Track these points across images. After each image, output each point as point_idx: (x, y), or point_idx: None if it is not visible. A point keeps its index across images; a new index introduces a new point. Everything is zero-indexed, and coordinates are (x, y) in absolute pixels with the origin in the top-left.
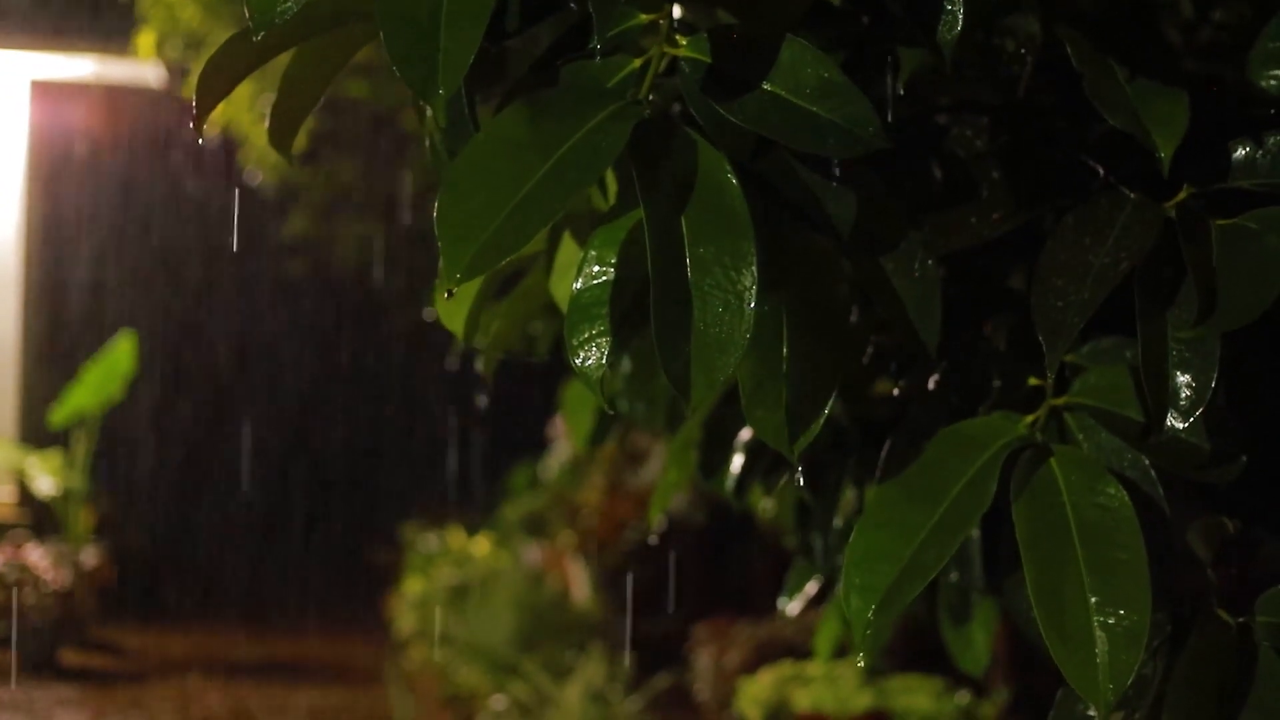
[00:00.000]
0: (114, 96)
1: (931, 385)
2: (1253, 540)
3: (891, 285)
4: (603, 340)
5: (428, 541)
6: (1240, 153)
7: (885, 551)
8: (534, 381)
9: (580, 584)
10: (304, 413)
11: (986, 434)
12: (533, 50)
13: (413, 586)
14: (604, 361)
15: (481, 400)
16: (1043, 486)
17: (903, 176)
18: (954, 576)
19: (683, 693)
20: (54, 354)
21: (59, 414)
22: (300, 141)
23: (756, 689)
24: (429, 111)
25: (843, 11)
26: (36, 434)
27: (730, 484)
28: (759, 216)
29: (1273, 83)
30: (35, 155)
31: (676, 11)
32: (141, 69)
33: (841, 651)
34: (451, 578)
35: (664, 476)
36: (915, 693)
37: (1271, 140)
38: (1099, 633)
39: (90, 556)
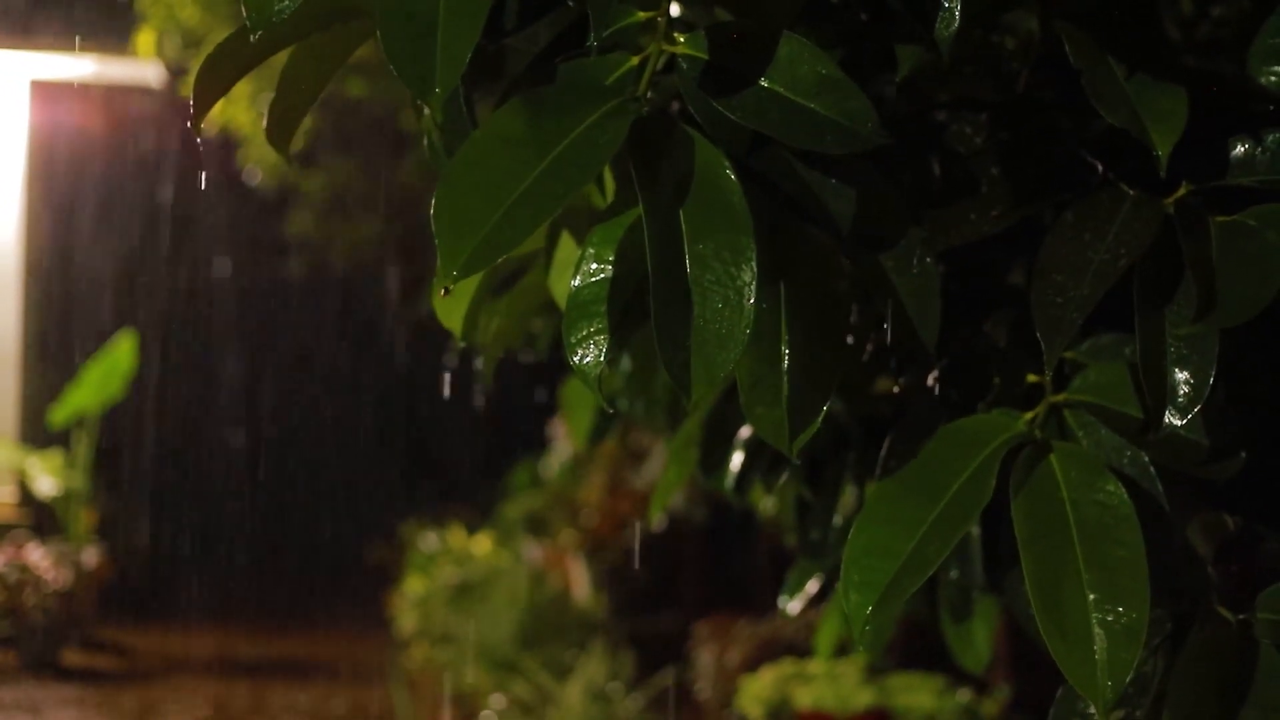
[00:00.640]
0: (113, 96)
1: (931, 382)
2: (1253, 537)
3: (891, 282)
4: (601, 338)
5: (428, 540)
6: (1239, 149)
7: (884, 548)
8: (535, 380)
9: (581, 582)
10: (304, 412)
11: (986, 431)
12: (531, 48)
13: (414, 585)
14: (602, 359)
15: (481, 399)
16: (1042, 483)
17: (902, 173)
18: (954, 574)
19: (684, 691)
20: (54, 354)
21: (59, 414)
22: (299, 141)
23: (758, 687)
24: (427, 110)
25: (840, 8)
26: (37, 434)
27: (730, 482)
28: (758, 213)
29: (1273, 79)
30: (35, 155)
31: (674, 9)
32: (141, 68)
33: (843, 649)
34: (452, 576)
35: (664, 474)
36: (916, 690)
37: (1271, 137)
38: (1098, 630)
39: (91, 556)
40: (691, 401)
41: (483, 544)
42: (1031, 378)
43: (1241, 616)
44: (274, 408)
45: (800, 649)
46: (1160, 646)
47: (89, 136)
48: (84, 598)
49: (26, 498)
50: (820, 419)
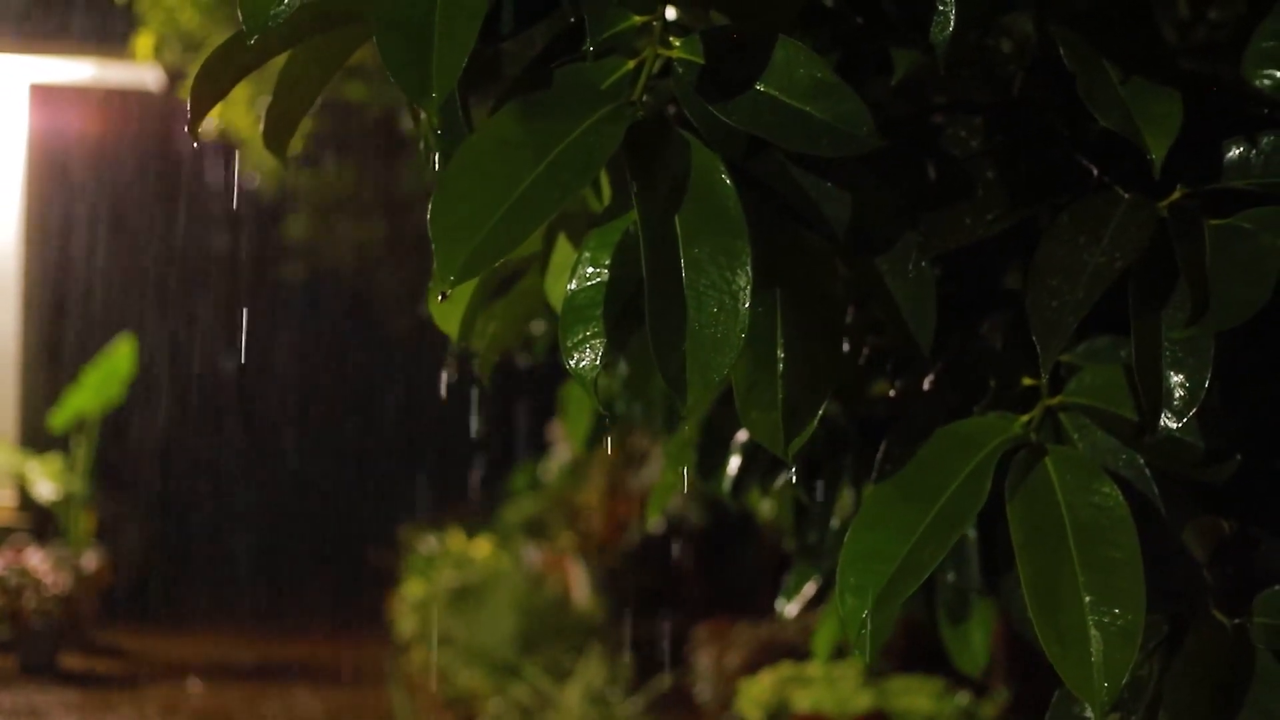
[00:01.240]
0: (112, 100)
1: (927, 385)
2: (1249, 540)
3: (886, 285)
4: (597, 342)
5: (428, 544)
6: (1234, 152)
7: (880, 551)
8: (534, 383)
9: (580, 586)
10: (303, 415)
11: (982, 434)
12: (527, 52)
13: (413, 589)
14: (598, 363)
15: (480, 402)
16: (1038, 486)
17: (897, 176)
18: (951, 577)
19: (683, 694)
20: (54, 357)
21: (59, 417)
22: (297, 144)
23: (757, 690)
24: (423, 114)
25: (836, 12)
26: (36, 438)
27: (728, 485)
28: (753, 217)
29: (1267, 82)
30: (34, 159)
31: (670, 13)
32: (140, 72)
33: (841, 652)
34: (452, 580)
35: (662, 477)
36: (915, 693)
37: (1265, 140)
38: (1094, 632)
39: (91, 560)
40: (687, 406)
41: (482, 547)
42: (1027, 380)
43: (1237, 620)
44: (273, 412)
45: (799, 652)
46: (1156, 650)
47: (88, 140)
48: (84, 602)
49: (26, 501)
50: (815, 422)
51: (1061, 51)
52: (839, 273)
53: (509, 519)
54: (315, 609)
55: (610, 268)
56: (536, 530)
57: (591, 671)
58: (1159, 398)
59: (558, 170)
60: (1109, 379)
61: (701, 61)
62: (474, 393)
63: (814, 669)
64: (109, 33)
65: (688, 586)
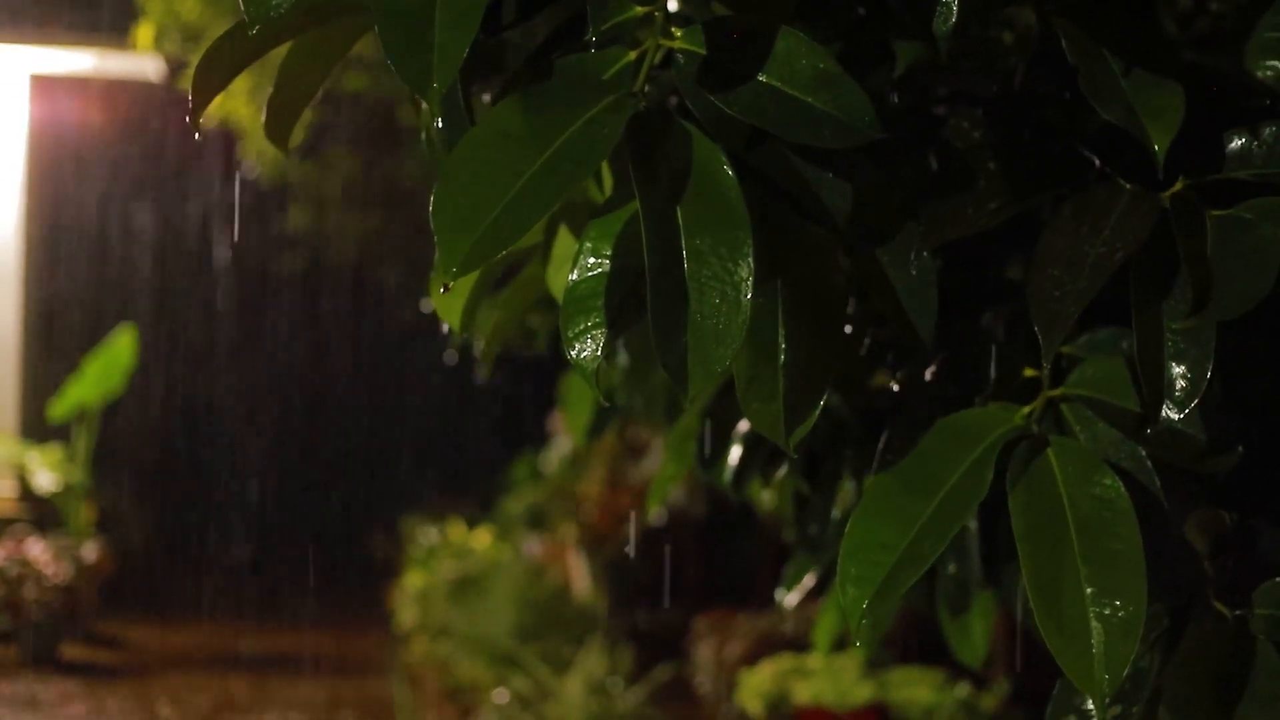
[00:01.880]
0: (113, 90)
1: (928, 377)
2: (1250, 532)
3: (888, 276)
4: (598, 332)
5: (428, 535)
6: (1236, 143)
7: (881, 542)
8: (535, 374)
9: (581, 577)
10: (304, 406)
11: (983, 425)
12: (529, 43)
13: (414, 580)
14: (599, 354)
15: (481, 394)
16: (1039, 477)
17: (899, 167)
18: (952, 568)
19: (683, 685)
20: (54, 348)
21: (59, 408)
22: (298, 135)
23: (757, 681)
24: (425, 105)
25: (837, 3)
26: (37, 428)
27: (729, 476)
28: (755, 208)
29: (1269, 73)
30: (35, 150)
31: (671, 4)
32: (140, 63)
33: (842, 644)
34: (452, 571)
35: (663, 468)
36: (915, 685)
37: (1267, 130)
38: (1095, 623)
39: (91, 551)
40: (688, 397)
41: (482, 538)
42: (1029, 372)
43: (1238, 612)
44: (273, 402)
45: (799, 643)
46: (1157, 641)
47: (89, 131)
48: (84, 592)
49: (26, 492)
50: (817, 413)
51: (1064, 44)
52: (840, 264)
53: (509, 510)
54: (316, 599)
55: (612, 258)
56: (537, 521)
57: (592, 662)
58: (1161, 388)
59: (559, 161)
60: (1110, 370)
61: (703, 52)
62: (475, 384)
63: (814, 660)
64: (110, 23)
65: (688, 578)
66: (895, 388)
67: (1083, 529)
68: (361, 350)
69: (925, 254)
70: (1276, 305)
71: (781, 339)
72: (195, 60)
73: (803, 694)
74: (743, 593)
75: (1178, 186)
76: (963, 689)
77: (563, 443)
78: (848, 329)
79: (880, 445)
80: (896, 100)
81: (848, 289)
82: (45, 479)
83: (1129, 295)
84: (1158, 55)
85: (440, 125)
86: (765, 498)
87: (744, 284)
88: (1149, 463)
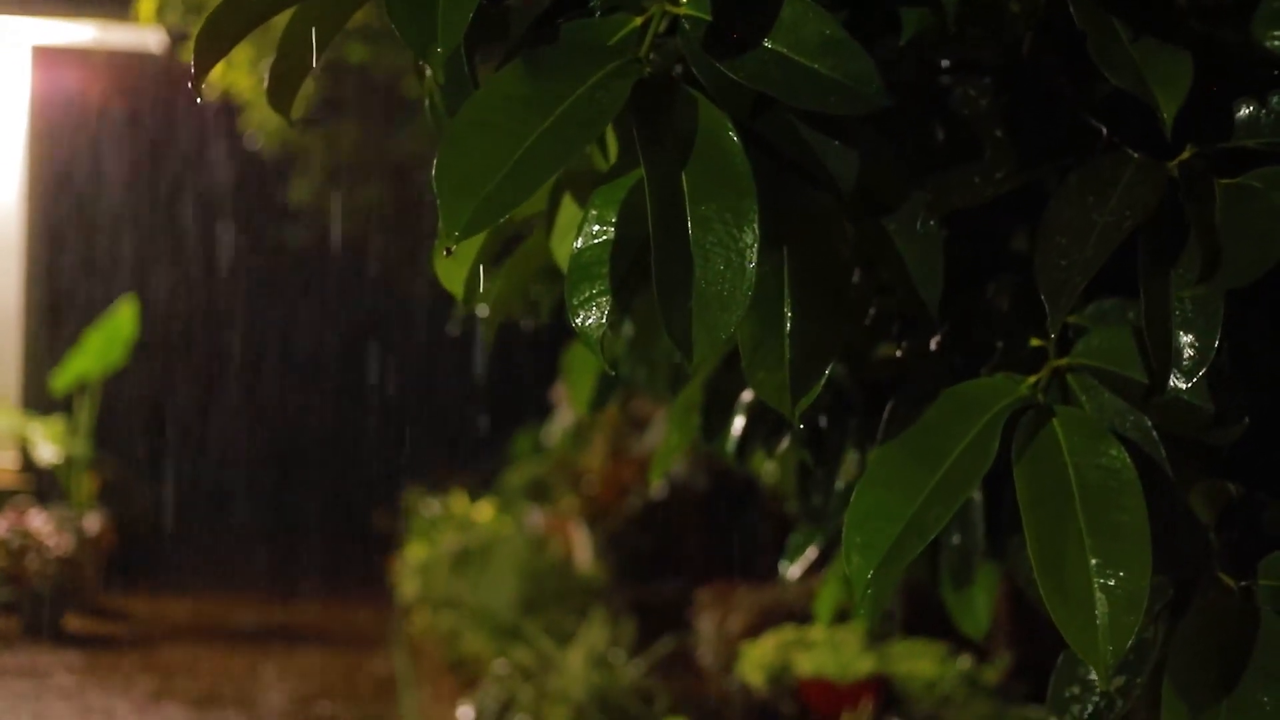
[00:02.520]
0: (115, 62)
1: (933, 346)
2: (1256, 503)
3: (893, 245)
4: (603, 300)
5: (430, 507)
6: (1244, 112)
7: (886, 511)
8: (538, 346)
9: (583, 549)
10: (306, 378)
11: (988, 395)
12: (533, 8)
13: (416, 552)
14: (604, 321)
15: (483, 365)
16: (1044, 448)
17: (905, 136)
18: (956, 539)
19: (685, 657)
20: (56, 320)
21: (61, 380)
22: (301, 107)
23: (759, 653)
24: (429, 71)
25: None
26: (39, 400)
27: (732, 447)
28: (760, 175)
29: (1277, 43)
30: (37, 121)
31: None
32: (142, 34)
33: (843, 616)
34: (454, 543)
35: (665, 440)
36: (917, 657)
37: (1275, 99)
38: (1099, 594)
39: (93, 522)
40: (693, 364)
41: (485, 510)
42: (1035, 342)
43: (1243, 583)
44: (276, 374)
45: (801, 615)
46: (1161, 613)
47: (91, 102)
48: (86, 564)
49: (29, 464)
50: (823, 382)
51: (1072, 10)
52: (846, 232)
53: (511, 482)
54: (318, 571)
55: (616, 225)
56: (539, 494)
57: (594, 634)
58: (1168, 358)
59: (564, 126)
60: (1117, 340)
61: (709, 18)
62: (477, 356)
63: (816, 633)
64: None
65: (690, 550)
66: (900, 358)
67: (1088, 499)
68: (364, 322)
69: (932, 223)
70: None
71: (787, 307)
72: (197, 31)
73: (804, 666)
74: (744, 565)
75: (1186, 155)
76: (965, 661)
77: (565, 415)
78: (853, 298)
79: (885, 416)
80: (902, 69)
81: (853, 257)
82: (47, 451)
83: (1136, 265)
84: (1166, 24)
85: (444, 90)
86: (768, 470)
87: (749, 250)
88: (1155, 433)
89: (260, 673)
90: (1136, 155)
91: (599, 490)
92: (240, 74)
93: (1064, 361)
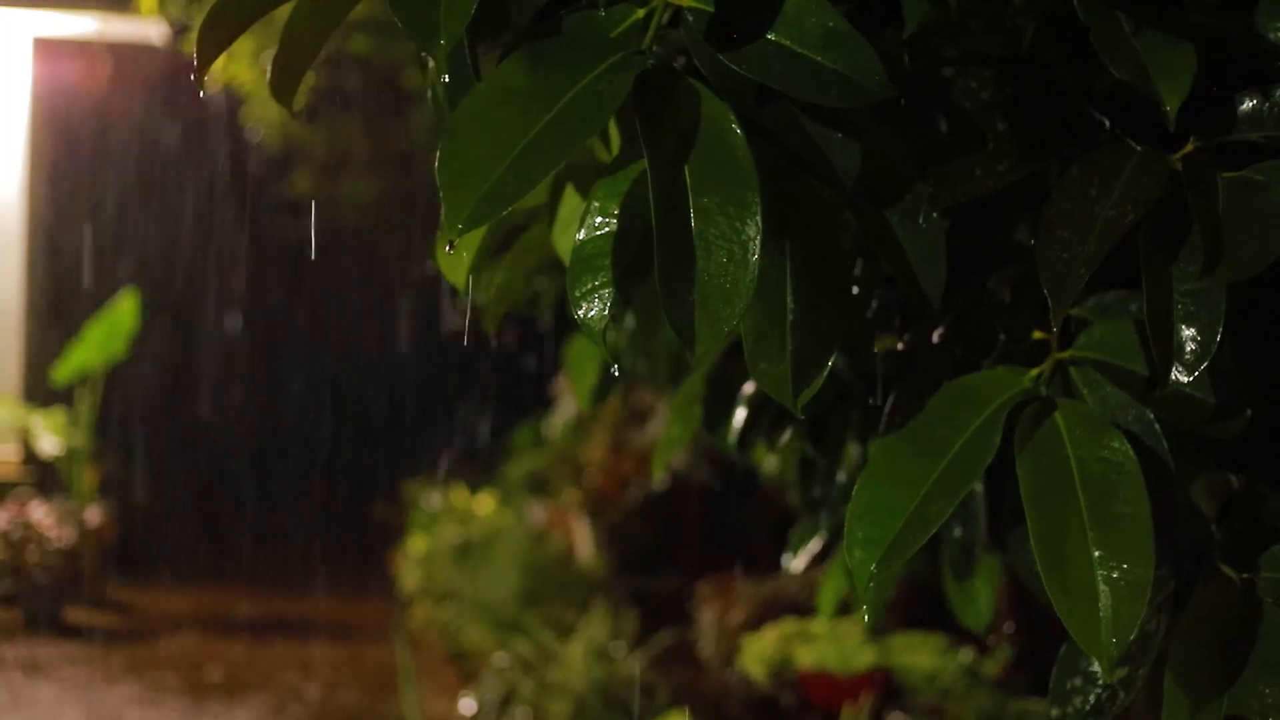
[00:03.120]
0: (116, 54)
1: (935, 338)
2: (1258, 495)
3: (896, 237)
4: (605, 291)
5: (431, 499)
6: (1247, 105)
7: (889, 504)
8: (539, 339)
9: (584, 542)
10: (307, 370)
11: (991, 387)
12: (536, 0)
13: (416, 544)
14: (606, 313)
15: (485, 358)
16: (1047, 440)
17: (908, 128)
18: (957, 532)
19: (686, 650)
20: (57, 312)
21: (62, 372)
22: (302, 99)
23: (760, 646)
24: (431, 63)
25: None
26: (40, 392)
27: (733, 439)
28: (763, 167)
29: None
30: (38, 113)
31: None
32: (144, 26)
33: (845, 609)
34: (455, 536)
35: (667, 431)
36: (918, 650)
37: (1278, 92)
38: (1102, 586)
39: (94, 514)
40: (695, 356)
41: (486, 503)
42: (1037, 334)
43: (1245, 575)
44: (277, 366)
45: (802, 608)
46: (1164, 605)
47: (92, 94)
48: (87, 556)
49: (30, 456)
50: (824, 374)
51: (1074, 2)
52: (849, 224)
53: (512, 475)
54: (318, 563)
55: (619, 217)
56: (540, 486)
57: (595, 627)
58: (1170, 351)
59: (566, 118)
60: (1119, 333)
61: (711, 10)
62: (479, 349)
63: (817, 625)
64: None
65: (691, 542)
66: (902, 350)
67: (1090, 492)
68: (366, 314)
69: (934, 215)
70: None
71: (789, 299)
72: (198, 23)
73: (805, 659)
74: (746, 557)
75: (1189, 148)
76: (966, 654)
77: (566, 407)
78: (855, 290)
79: (887, 408)
80: (905, 61)
81: (856, 249)
82: (48, 443)
83: (1138, 258)
84: (1168, 16)
85: (446, 82)
86: (769, 462)
87: (752, 243)
88: (1157, 426)
89: (260, 665)
90: (1139, 148)
91: (600, 483)
92: (242, 66)
93: (1066, 354)
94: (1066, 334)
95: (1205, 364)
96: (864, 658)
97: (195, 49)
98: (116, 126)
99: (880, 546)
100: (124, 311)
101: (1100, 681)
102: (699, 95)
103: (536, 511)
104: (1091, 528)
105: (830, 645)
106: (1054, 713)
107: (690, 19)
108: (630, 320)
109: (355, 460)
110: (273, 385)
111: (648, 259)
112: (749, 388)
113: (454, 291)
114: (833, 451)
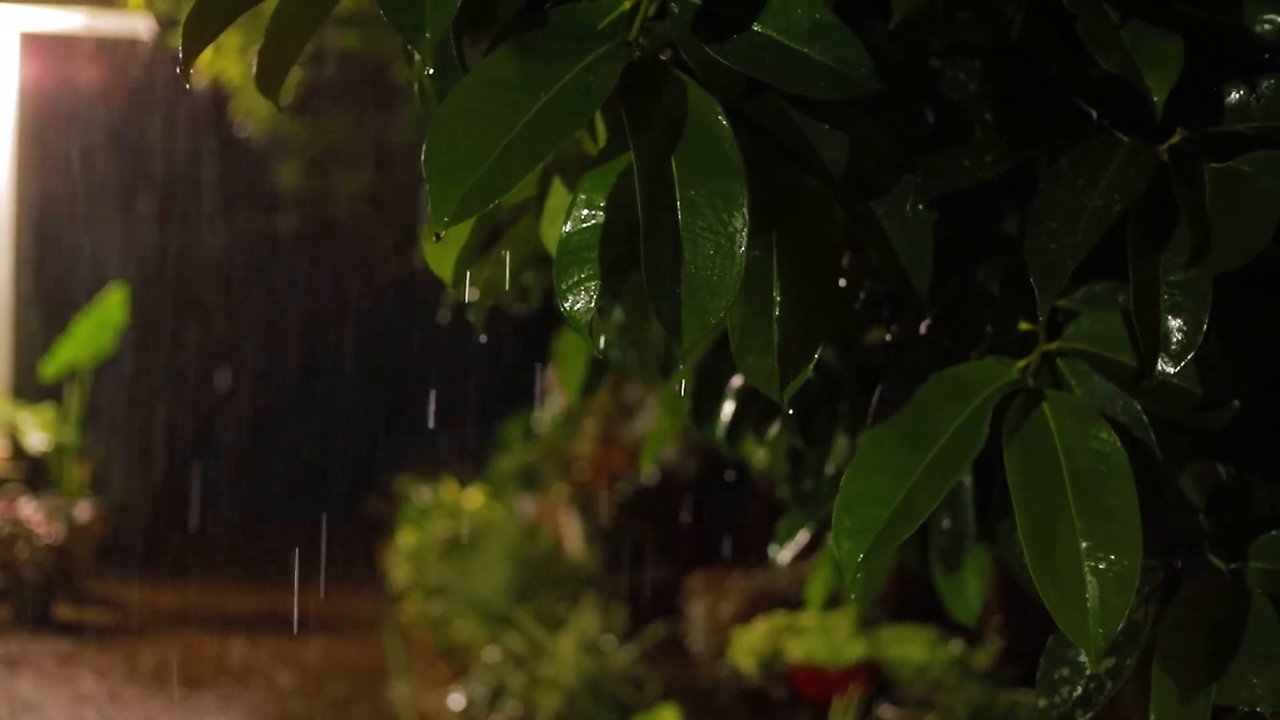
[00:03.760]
0: (104, 49)
1: (923, 330)
2: (1246, 486)
3: (883, 229)
4: (592, 284)
5: (421, 494)
6: (1234, 96)
7: (876, 495)
8: (528, 333)
9: (573, 535)
10: (297, 365)
11: (979, 379)
12: None
13: (407, 539)
14: (593, 305)
15: (473, 352)
16: (1035, 431)
17: (895, 119)
18: (946, 523)
19: (677, 643)
20: (46, 307)
21: (51, 367)
22: (289, 94)
23: (750, 639)
24: (418, 56)
25: None
26: (28, 388)
27: (722, 432)
28: (750, 159)
29: (1268, 27)
30: (25, 108)
31: None
32: (131, 21)
33: (834, 602)
34: (446, 530)
35: (657, 424)
36: (908, 642)
37: (1265, 84)
38: (1090, 577)
39: (84, 510)
40: (683, 349)
41: (475, 497)
42: (1024, 325)
43: (1234, 565)
44: (266, 361)
45: (792, 601)
46: (1152, 595)
47: (79, 89)
48: (77, 552)
49: (18, 452)
50: (811, 366)
51: None
52: (836, 216)
53: (502, 469)
54: (309, 559)
55: (606, 210)
56: (530, 480)
57: (585, 621)
58: (1157, 342)
59: (553, 111)
60: (1107, 324)
61: (698, 2)
62: (467, 343)
63: (807, 618)
64: None
65: (681, 536)
66: (890, 342)
67: (1078, 483)
68: (354, 309)
69: (921, 206)
70: (1273, 258)
71: (776, 291)
72: (185, 17)
73: (795, 651)
74: (736, 551)
75: (1176, 138)
76: (956, 646)
77: (556, 402)
78: (843, 282)
79: (875, 400)
80: (892, 53)
81: (843, 241)
82: (37, 439)
83: (1125, 249)
84: (1156, 7)
85: (433, 76)
86: (759, 456)
87: (739, 235)
88: (1145, 416)
89: (251, 660)
90: (1127, 139)
91: (590, 476)
92: (229, 60)
93: (1054, 345)
94: (1054, 325)
95: (1191, 354)
96: (854, 650)
97: (181, 44)
98: (104, 121)
99: (868, 536)
100: (112, 306)
101: (1088, 672)
102: (686, 87)
103: (526, 505)
104: (1079, 518)
105: (820, 638)
106: (1042, 703)
107: (677, 11)
108: (619, 313)
109: (345, 455)
110: (262, 380)
111: (635, 251)
112: (737, 381)
113: (442, 285)
114: (821, 444)
